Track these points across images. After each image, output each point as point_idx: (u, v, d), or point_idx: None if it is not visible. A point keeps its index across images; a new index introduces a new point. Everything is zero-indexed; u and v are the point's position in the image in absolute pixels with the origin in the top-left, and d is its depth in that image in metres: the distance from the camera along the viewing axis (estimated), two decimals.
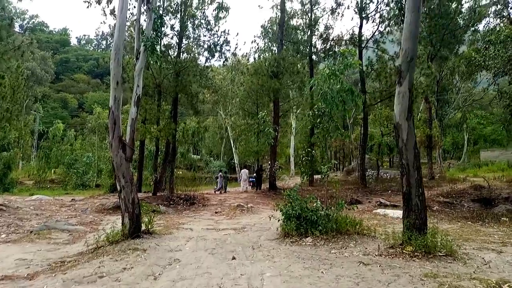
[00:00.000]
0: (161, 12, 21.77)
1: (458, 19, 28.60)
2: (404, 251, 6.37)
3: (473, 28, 29.67)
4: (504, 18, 13.34)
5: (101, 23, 20.30)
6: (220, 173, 24.10)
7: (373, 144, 35.66)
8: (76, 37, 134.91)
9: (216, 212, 13.66)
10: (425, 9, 26.14)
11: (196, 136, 48.54)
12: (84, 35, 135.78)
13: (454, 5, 27.42)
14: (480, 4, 27.82)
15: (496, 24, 21.20)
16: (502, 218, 13.04)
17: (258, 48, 26.57)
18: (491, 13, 28.71)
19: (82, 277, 5.23)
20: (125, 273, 5.43)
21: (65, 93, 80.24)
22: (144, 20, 8.55)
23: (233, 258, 6.25)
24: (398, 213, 14.08)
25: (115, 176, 7.74)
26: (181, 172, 44.92)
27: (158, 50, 9.03)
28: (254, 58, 28.00)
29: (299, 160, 60.16)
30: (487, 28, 31.43)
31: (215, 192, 22.33)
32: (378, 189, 22.18)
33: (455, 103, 47.87)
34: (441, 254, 6.13)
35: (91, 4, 9.83)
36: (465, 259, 6.05)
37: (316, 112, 8.65)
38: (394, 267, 5.40)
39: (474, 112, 54.15)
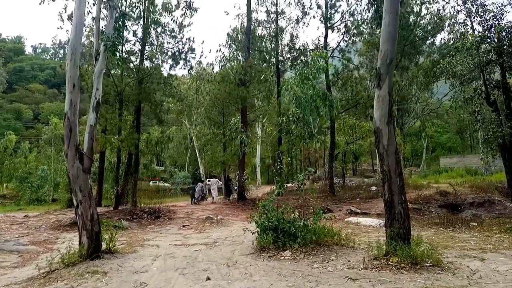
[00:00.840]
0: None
1: (417, 31, 29.58)
2: (389, 262, 6.01)
3: (430, 41, 30.85)
4: (467, 27, 13.65)
5: (58, 28, 18.96)
6: (200, 183, 23.28)
7: (338, 153, 36.03)
8: (32, 46, 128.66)
9: (183, 226, 12.88)
10: None
11: (160, 146, 47.17)
12: (40, 44, 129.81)
13: (412, 18, 28.43)
14: (439, 17, 28.91)
15: (462, 32, 22.11)
16: (472, 223, 13.16)
17: (223, 57, 26.15)
18: (447, 26, 29.97)
19: None
20: None
21: (19, 103, 75.93)
22: (104, 19, 7.83)
23: (208, 278, 5.62)
24: (370, 220, 13.95)
25: (71, 190, 6.92)
26: (153, 184, 43.34)
27: (120, 52, 8.31)
28: (220, 67, 27.52)
29: (269, 169, 59.68)
30: (443, 41, 32.75)
31: (196, 203, 21.62)
32: (346, 197, 22.11)
33: (414, 112, 49.51)
34: (427, 265, 5.81)
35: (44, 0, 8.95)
36: (453, 269, 5.76)
37: (291, 118, 8.23)
38: (384, 282, 4.99)
39: (431, 121, 56.35)
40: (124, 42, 18.93)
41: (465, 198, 17.52)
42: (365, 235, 10.61)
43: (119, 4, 18.76)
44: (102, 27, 7.72)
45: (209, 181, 23.90)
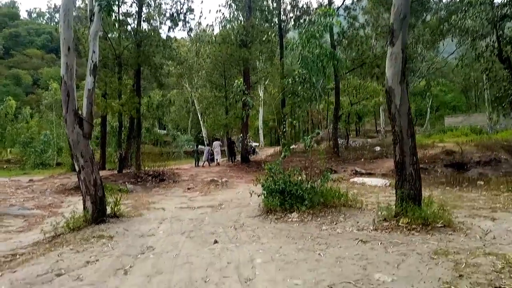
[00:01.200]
0: None
1: None
2: (399, 224, 5.90)
3: None
4: None
5: None
6: (201, 147, 23.18)
7: (342, 114, 35.68)
8: (26, 10, 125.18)
9: (188, 188, 12.88)
10: None
11: (161, 110, 46.80)
12: (35, 8, 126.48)
13: None
14: None
15: None
16: (478, 182, 13.08)
17: (223, 17, 25.18)
18: None
19: (35, 276, 4.36)
20: (88, 268, 4.60)
21: (18, 69, 74.87)
22: None
23: (215, 241, 5.55)
24: (375, 181, 13.89)
25: (72, 155, 6.76)
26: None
27: (116, 12, 7.86)
28: (220, 28, 26.60)
29: (271, 132, 59.56)
30: None
31: (203, 166, 21.68)
32: (350, 157, 22.02)
33: (419, 72, 48.45)
34: (439, 226, 5.70)
35: None
36: (464, 230, 5.65)
37: (297, 79, 7.88)
38: (396, 244, 4.88)
39: (437, 80, 55.33)
40: (120, 2, 18.13)
41: (471, 157, 17.38)
42: (371, 195, 10.53)
43: None
44: None
45: (212, 144, 23.79)
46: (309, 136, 7.77)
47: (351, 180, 14.57)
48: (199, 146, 23.53)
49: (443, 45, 36.38)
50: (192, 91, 45.39)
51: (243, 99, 8.00)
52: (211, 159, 22.39)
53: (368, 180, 13.75)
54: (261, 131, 50.69)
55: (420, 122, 63.20)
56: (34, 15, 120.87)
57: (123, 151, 19.66)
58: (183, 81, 45.16)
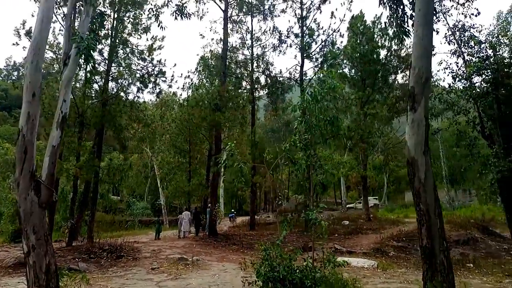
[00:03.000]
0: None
1: (388, 66, 29.92)
2: None
3: (392, 77, 31.26)
4: (459, 57, 13.37)
5: (14, 44, 16.84)
6: (187, 212, 21.26)
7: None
8: None
9: (153, 269, 11.01)
10: (358, 54, 27.09)
11: (119, 175, 44.23)
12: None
13: (384, 53, 28.85)
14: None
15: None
16: (468, 265, 12.34)
17: (191, 83, 24.87)
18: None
19: None
20: None
21: None
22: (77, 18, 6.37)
23: None
24: (361, 262, 12.67)
25: (22, 231, 5.18)
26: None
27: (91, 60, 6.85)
28: (187, 94, 26.05)
29: (232, 200, 57.56)
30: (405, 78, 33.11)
31: (180, 237, 19.63)
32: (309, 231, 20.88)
33: (377, 147, 50.17)
34: None
35: None
36: None
37: (298, 144, 7.00)
38: None
39: (394, 156, 57.50)
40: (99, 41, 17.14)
41: (449, 235, 16.89)
42: (367, 281, 9.37)
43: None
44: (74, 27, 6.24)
45: (181, 213, 21.93)
46: (313, 211, 6.69)
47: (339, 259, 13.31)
48: (183, 213, 21.60)
49: (399, 122, 38.07)
50: (152, 155, 43.75)
51: (235, 165, 6.90)
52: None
53: (353, 261, 12.57)
54: (222, 200, 48.94)
55: (377, 196, 64.38)
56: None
57: (74, 220, 17.38)
58: (143, 145, 43.61)
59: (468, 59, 13.67)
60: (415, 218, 19.74)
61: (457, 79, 12.56)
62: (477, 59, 12.33)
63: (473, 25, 13.79)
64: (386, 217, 30.51)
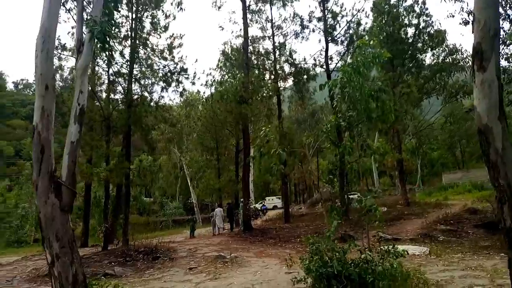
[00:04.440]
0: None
1: (416, 44, 28.38)
2: None
3: (431, 53, 29.62)
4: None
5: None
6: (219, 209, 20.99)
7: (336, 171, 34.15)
8: (13, 82, 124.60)
9: (190, 269, 10.52)
10: (384, 34, 25.75)
11: (150, 176, 44.56)
12: (22, 80, 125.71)
13: (411, 31, 27.38)
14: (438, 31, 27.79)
15: None
16: None
17: (213, 80, 24.32)
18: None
19: None
20: None
21: None
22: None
23: None
24: (411, 249, 11.71)
25: (43, 239, 4.69)
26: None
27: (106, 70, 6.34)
28: (211, 91, 25.50)
29: (263, 192, 57.26)
30: (432, 58, 31.37)
31: (214, 234, 19.35)
32: (362, 219, 19.96)
33: (409, 130, 48.34)
34: None
35: None
36: None
37: (342, 123, 6.21)
38: None
39: (427, 138, 55.36)
40: (117, 26, 16.81)
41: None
42: (424, 270, 8.50)
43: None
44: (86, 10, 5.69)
45: (213, 210, 21.50)
46: (369, 197, 5.91)
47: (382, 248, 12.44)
48: (216, 209, 21.27)
49: (429, 103, 36.28)
50: (181, 155, 43.78)
51: (273, 151, 6.19)
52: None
53: (403, 248, 11.60)
54: (252, 194, 48.49)
55: (410, 181, 62.30)
56: (20, 86, 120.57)
57: (108, 224, 17.21)
58: (172, 146, 43.72)
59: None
60: (456, 200, 18.63)
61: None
62: None
63: None
64: (425, 201, 29.18)
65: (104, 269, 11.17)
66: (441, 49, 28.95)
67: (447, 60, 28.95)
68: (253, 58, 23.53)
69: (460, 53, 29.16)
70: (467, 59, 29.31)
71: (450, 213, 17.74)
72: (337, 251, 5.55)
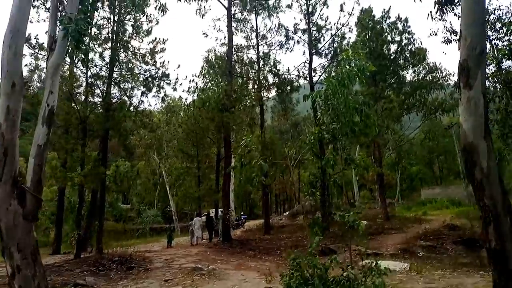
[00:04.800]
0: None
1: (399, 61, 28.82)
2: None
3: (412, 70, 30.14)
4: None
5: None
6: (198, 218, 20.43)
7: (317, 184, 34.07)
8: None
9: (166, 281, 10.08)
10: (367, 49, 26.07)
11: (127, 182, 43.48)
12: None
13: (394, 47, 27.83)
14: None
15: None
16: None
17: (196, 87, 23.98)
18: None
19: None
20: None
21: None
22: None
23: None
24: (392, 264, 11.60)
25: (3, 249, 4.29)
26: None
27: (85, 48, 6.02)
28: (193, 98, 25.13)
29: (243, 204, 56.94)
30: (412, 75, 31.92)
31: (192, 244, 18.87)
32: (341, 233, 19.81)
33: (389, 144, 48.97)
34: None
35: None
36: None
37: (325, 135, 6.04)
38: None
39: (406, 153, 56.22)
40: (93, 25, 16.36)
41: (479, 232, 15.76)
42: (405, 287, 8.36)
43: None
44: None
45: (192, 219, 20.99)
46: (352, 212, 5.73)
47: (360, 263, 12.29)
48: (194, 218, 20.72)
49: (409, 119, 36.87)
50: (160, 162, 43.05)
51: (253, 162, 5.97)
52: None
53: (383, 264, 11.46)
54: (232, 204, 47.96)
55: (389, 195, 63.02)
56: None
57: (82, 231, 16.56)
58: (151, 152, 42.95)
59: (496, 43, 12.73)
60: (435, 215, 18.75)
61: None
62: (506, 42, 11.37)
63: (499, 6, 12.85)
64: (405, 215, 29.37)
65: (75, 279, 10.61)
66: (422, 66, 29.57)
67: (427, 77, 29.60)
68: (236, 67, 23.36)
69: (439, 72, 29.93)
70: (446, 78, 30.08)
71: (429, 228, 17.83)
72: (319, 267, 5.30)
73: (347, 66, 6.43)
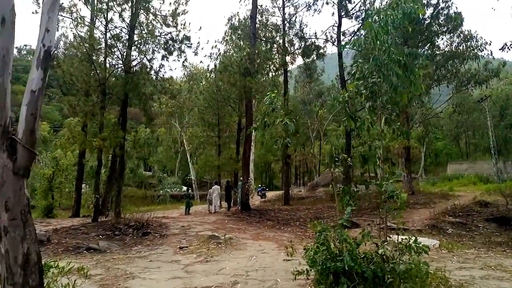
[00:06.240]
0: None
1: (434, 26, 26.97)
2: None
3: (446, 37, 28.22)
4: None
5: (33, 13, 16.04)
6: (217, 187, 20.21)
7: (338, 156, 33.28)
8: (16, 47, 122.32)
9: (181, 248, 9.72)
10: (401, 11, 24.35)
11: (148, 149, 43.62)
12: (25, 45, 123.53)
13: (429, 11, 25.96)
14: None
15: None
16: None
17: (219, 53, 23.04)
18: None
19: None
20: None
21: None
22: None
23: None
24: (422, 241, 10.98)
25: None
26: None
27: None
28: (215, 65, 24.27)
29: (263, 175, 57.02)
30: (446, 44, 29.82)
31: (210, 212, 18.68)
32: (365, 206, 19.12)
33: (417, 117, 47.26)
34: None
35: None
36: None
37: (362, 91, 5.21)
38: None
39: (433, 127, 54.28)
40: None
41: None
42: (438, 266, 7.68)
43: None
44: None
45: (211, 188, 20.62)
46: (390, 181, 5.01)
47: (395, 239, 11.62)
48: (213, 186, 20.41)
49: (439, 90, 35.06)
50: (182, 130, 42.95)
51: (279, 120, 5.28)
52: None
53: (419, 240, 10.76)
54: (252, 175, 47.73)
55: (412, 169, 61.46)
56: (23, 52, 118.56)
57: (100, 195, 16.43)
58: (173, 120, 42.83)
59: None
60: (461, 191, 17.78)
61: None
62: None
63: None
64: (430, 190, 28.38)
65: (89, 242, 10.41)
66: (456, 34, 27.68)
67: (461, 47, 27.77)
68: (260, 32, 22.26)
69: (475, 40, 27.97)
70: (481, 47, 28.08)
71: (458, 204, 16.94)
72: (349, 242, 4.65)
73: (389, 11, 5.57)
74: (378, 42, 5.16)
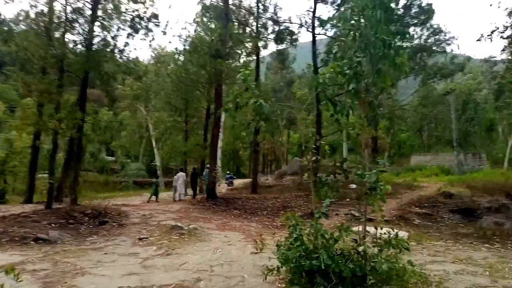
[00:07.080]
0: None
1: (406, 18, 27.07)
2: None
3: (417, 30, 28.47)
4: None
5: None
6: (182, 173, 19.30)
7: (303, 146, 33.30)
8: None
9: (140, 239, 9.01)
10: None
11: (110, 133, 41.89)
12: None
13: (403, 1, 26.02)
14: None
15: None
16: None
17: (189, 35, 21.98)
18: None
19: None
20: None
21: None
22: None
23: None
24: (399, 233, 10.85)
25: None
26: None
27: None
28: (184, 47, 23.17)
29: (230, 162, 56.03)
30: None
31: (175, 200, 17.85)
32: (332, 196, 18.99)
33: (383, 108, 48.00)
34: None
35: None
36: None
37: (348, 71, 4.68)
38: None
39: (399, 118, 55.47)
40: None
41: (477, 202, 14.99)
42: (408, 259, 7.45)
43: None
44: None
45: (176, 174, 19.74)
46: (374, 170, 4.58)
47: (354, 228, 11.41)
48: (178, 173, 19.46)
49: (407, 82, 35.60)
50: (147, 114, 41.46)
51: (252, 101, 4.69)
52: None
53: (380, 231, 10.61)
54: (219, 162, 46.97)
55: (377, 160, 62.75)
56: None
57: (54, 181, 15.30)
58: (138, 104, 41.21)
59: None
60: (425, 182, 17.98)
61: None
62: None
63: None
64: (394, 181, 28.85)
65: (38, 232, 9.48)
66: (426, 27, 28.08)
67: (430, 40, 28.26)
68: (233, 15, 21.42)
69: (443, 34, 28.52)
70: (449, 41, 28.66)
71: (423, 195, 17.10)
72: (327, 238, 4.18)
73: None
74: (363, 17, 4.65)
